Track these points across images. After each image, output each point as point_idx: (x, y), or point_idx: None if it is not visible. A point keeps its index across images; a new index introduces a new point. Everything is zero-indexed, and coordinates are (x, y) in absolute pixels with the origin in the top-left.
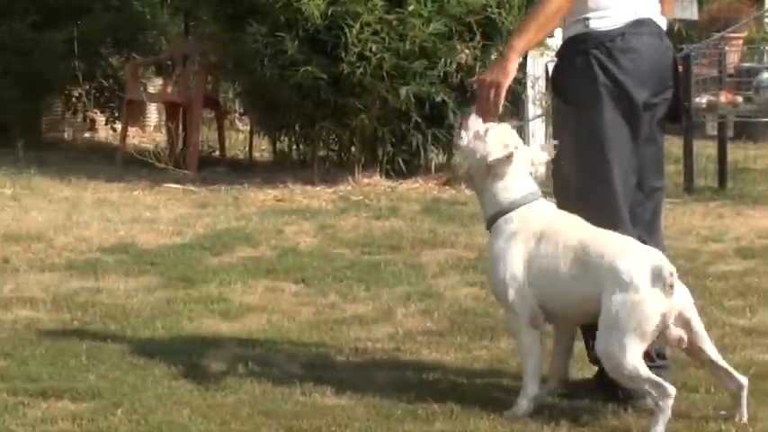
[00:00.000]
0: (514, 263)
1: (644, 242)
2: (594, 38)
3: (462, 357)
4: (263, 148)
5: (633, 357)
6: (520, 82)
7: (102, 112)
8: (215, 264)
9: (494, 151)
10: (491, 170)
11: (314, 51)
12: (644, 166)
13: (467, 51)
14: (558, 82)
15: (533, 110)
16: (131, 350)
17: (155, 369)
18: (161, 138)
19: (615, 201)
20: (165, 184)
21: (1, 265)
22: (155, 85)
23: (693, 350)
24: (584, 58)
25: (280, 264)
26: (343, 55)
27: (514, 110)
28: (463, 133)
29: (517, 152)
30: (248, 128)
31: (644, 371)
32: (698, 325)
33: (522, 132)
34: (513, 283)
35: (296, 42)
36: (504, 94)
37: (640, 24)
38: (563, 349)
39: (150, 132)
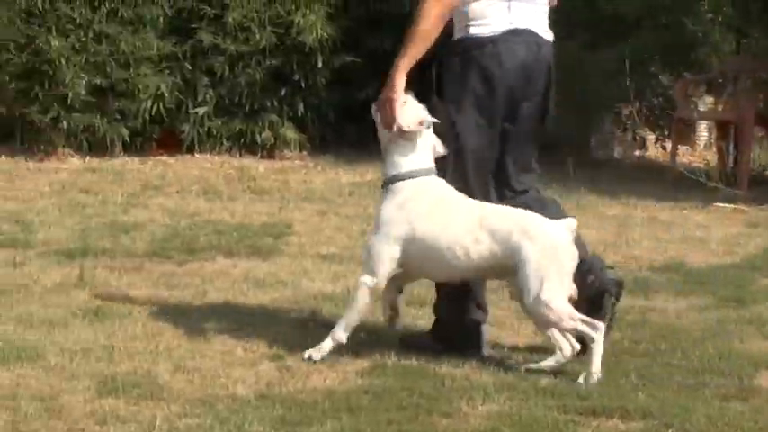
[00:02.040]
0: (397, 230)
1: None
2: (471, 42)
3: None
4: None
5: (563, 301)
6: None
7: (651, 130)
8: (766, 285)
9: (405, 120)
10: (400, 136)
11: None
12: (521, 150)
13: None
14: (437, 80)
15: None
16: (681, 370)
17: (705, 390)
18: (711, 156)
19: (471, 187)
20: (716, 204)
21: None
22: (705, 103)
23: None
24: (457, 62)
25: None
26: None
27: None
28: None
29: (426, 129)
30: None
31: (573, 311)
32: None
33: None
34: (388, 248)
35: None
36: (396, 106)
37: (515, 34)
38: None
39: (700, 151)
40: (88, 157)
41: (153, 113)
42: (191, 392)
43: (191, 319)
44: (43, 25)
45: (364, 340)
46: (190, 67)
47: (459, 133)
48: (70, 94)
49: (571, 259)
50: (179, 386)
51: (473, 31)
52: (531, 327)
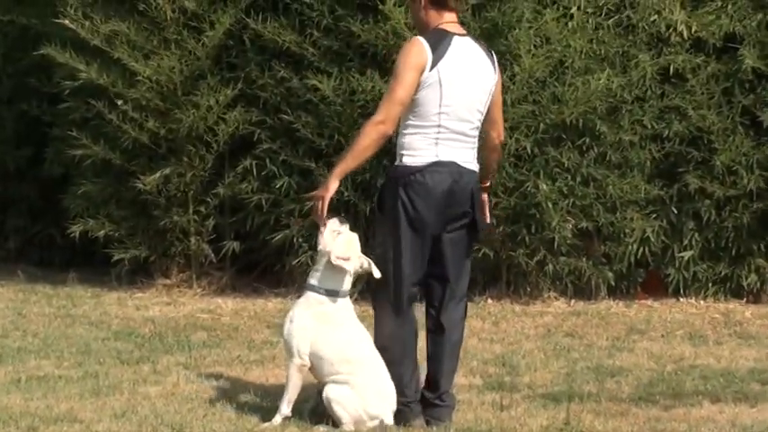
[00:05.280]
0: (304, 324)
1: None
2: (402, 170)
3: None
4: None
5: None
6: None
7: None
8: None
9: (335, 250)
10: (327, 260)
11: None
12: (451, 267)
13: None
14: (378, 197)
15: None
16: None
17: None
18: None
19: (401, 291)
20: None
21: None
22: None
23: None
24: (393, 184)
25: None
26: None
27: None
28: (323, 229)
29: (349, 261)
30: None
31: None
32: None
33: None
34: (298, 336)
35: None
36: (327, 205)
37: (439, 165)
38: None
39: None
40: (573, 300)
41: (638, 257)
42: None
43: None
44: (531, 170)
45: None
46: (676, 211)
47: (399, 233)
48: (557, 238)
49: (368, 405)
50: None
51: (405, 160)
52: None
